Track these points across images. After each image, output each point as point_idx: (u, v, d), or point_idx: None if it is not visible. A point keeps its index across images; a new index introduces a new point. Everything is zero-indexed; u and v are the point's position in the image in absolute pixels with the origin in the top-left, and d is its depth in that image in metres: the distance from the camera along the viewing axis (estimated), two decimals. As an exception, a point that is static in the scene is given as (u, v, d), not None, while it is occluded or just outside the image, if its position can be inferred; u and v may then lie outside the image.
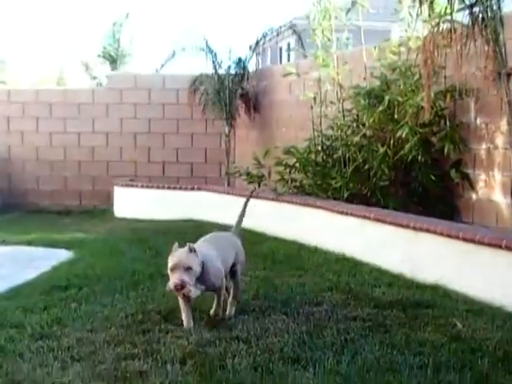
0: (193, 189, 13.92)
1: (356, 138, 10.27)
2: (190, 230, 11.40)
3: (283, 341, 5.28)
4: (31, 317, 5.98)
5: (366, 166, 9.99)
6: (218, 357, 4.90)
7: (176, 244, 5.65)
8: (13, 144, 16.26)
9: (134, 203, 14.38)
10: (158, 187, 14.28)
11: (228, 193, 13.10)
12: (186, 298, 5.65)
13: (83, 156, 16.23)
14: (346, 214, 9.32)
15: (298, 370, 4.64)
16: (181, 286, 5.40)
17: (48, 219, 14.30)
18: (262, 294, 6.77)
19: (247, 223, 11.64)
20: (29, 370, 4.65)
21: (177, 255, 5.55)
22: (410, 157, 9.39)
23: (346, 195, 10.10)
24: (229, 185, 14.28)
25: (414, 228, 7.79)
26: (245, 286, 7.12)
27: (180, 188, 14.16)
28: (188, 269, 5.45)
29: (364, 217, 8.88)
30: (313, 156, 11.23)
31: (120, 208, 14.71)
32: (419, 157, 9.31)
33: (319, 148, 11.26)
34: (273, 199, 11.32)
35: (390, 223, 8.30)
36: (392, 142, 9.71)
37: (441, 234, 7.37)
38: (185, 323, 5.70)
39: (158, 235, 10.93)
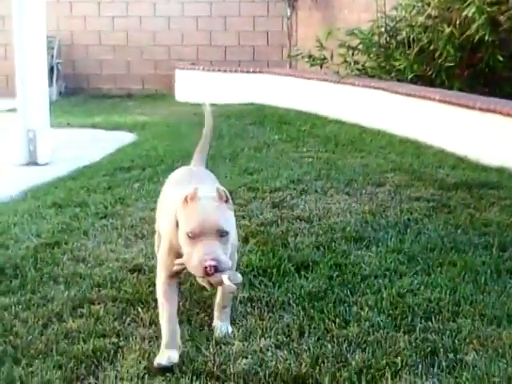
0: (254, 72, 13.78)
1: (421, 19, 9.99)
2: (252, 114, 11.39)
3: (345, 220, 5.26)
4: (95, 196, 6.04)
5: (431, 47, 9.75)
6: (281, 236, 4.91)
7: (196, 187, 3.15)
8: (75, 29, 16.19)
9: (196, 87, 14.31)
10: (219, 70, 14.17)
11: (290, 75, 12.95)
12: (170, 304, 3.27)
13: (145, 40, 16.11)
14: (410, 95, 9.15)
15: (361, 249, 4.63)
16: (215, 269, 2.94)
17: (111, 103, 14.35)
18: (324, 175, 6.72)
19: (309, 107, 11.62)
20: (93, 246, 4.72)
21: (202, 209, 3.06)
22: (477, 37, 9.11)
23: (409, 77, 9.90)
24: (291, 67, 14.10)
25: (480, 109, 7.61)
26: (307, 168, 7.10)
27: (242, 71, 14.03)
28: (223, 235, 3.04)
29: (429, 98, 8.70)
30: (376, 38, 10.99)
31: (181, 92, 14.67)
32: (486, 37, 9.02)
33: (383, 30, 10.99)
34: (335, 82, 11.15)
35: (456, 104, 8.12)
36: (458, 21, 9.42)
37: (508, 114, 7.19)
38: (163, 345, 3.15)
39: (220, 118, 10.88)
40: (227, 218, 3.11)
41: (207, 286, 3.11)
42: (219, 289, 3.38)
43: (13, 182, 6.91)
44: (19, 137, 7.86)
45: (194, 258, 2.96)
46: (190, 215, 3.04)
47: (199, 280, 3.13)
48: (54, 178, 6.93)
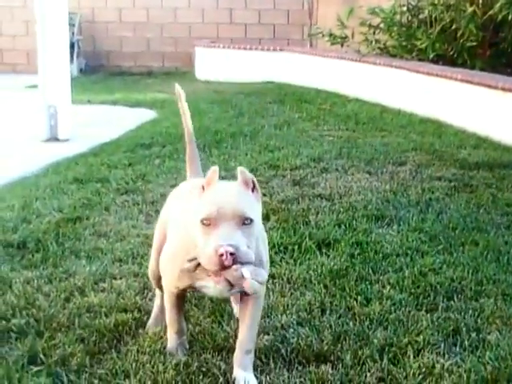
0: (275, 50, 13.74)
1: (443, -3, 9.94)
2: (272, 92, 11.36)
3: (367, 199, 5.23)
4: (116, 172, 6.05)
5: (453, 26, 9.70)
6: (301, 213, 4.89)
7: (215, 168, 2.62)
8: (96, 6, 16.17)
9: (216, 65, 14.28)
10: (239, 48, 14.13)
11: (310, 54, 12.90)
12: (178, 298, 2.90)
13: (165, 18, 16.07)
14: (432, 75, 9.09)
15: (382, 227, 4.61)
16: (232, 260, 2.41)
17: (131, 80, 14.35)
18: (344, 153, 6.70)
19: (329, 85, 11.57)
20: (114, 222, 4.72)
21: (221, 192, 2.57)
22: (500, 16, 9.05)
23: (431, 56, 9.85)
24: (311, 46, 14.04)
25: (503, 89, 7.54)
26: (327, 146, 7.08)
27: (262, 49, 13.98)
28: (246, 223, 2.50)
29: (450, 78, 8.64)
30: (398, 17, 10.92)
31: (201, 70, 14.64)
32: (509, 16, 8.96)
33: (404, 8, 10.92)
34: (356, 60, 11.10)
35: (478, 84, 8.06)
36: (481, 0, 9.35)
37: (531, 94, 7.14)
38: (169, 343, 2.97)
39: (240, 96, 10.87)
40: (252, 205, 2.55)
41: (223, 287, 2.50)
42: (242, 323, 2.80)
43: (34, 157, 6.92)
44: (40, 112, 7.88)
45: (208, 248, 2.44)
46: (206, 199, 2.52)
47: (212, 289, 2.64)
48: (75, 154, 6.94)
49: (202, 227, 2.48)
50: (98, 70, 15.76)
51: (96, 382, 2.72)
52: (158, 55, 16.22)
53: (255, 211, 2.56)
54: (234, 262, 2.40)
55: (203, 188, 2.57)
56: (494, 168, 6.11)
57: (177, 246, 2.76)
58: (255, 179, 2.60)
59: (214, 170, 2.58)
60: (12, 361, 2.84)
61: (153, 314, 3.23)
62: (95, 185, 5.63)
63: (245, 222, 2.48)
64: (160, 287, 3.01)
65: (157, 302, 3.21)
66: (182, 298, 2.93)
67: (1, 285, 3.63)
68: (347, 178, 5.86)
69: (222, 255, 2.39)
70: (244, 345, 2.79)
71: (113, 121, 9.16)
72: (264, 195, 5.35)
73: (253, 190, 2.60)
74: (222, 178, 5.78)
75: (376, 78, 10.56)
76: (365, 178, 5.86)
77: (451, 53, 9.77)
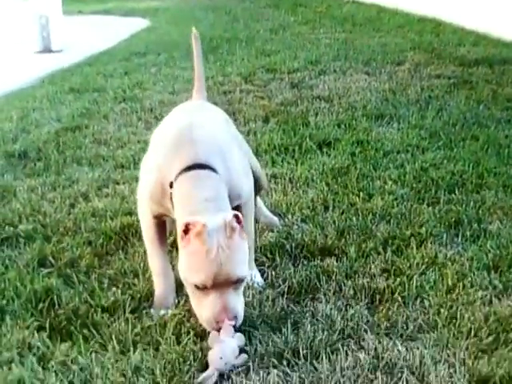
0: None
1: None
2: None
3: (366, 99, 5.22)
4: (112, 81, 6.02)
5: None
6: (301, 115, 4.89)
7: (203, 223, 2.32)
8: None
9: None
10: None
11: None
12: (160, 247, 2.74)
13: None
14: (429, -28, 8.96)
15: (382, 126, 4.61)
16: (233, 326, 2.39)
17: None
18: (342, 55, 6.67)
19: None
20: (114, 129, 4.72)
21: (213, 258, 2.33)
22: None
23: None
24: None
25: (502, -16, 7.45)
26: (324, 49, 7.02)
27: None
28: (238, 282, 2.41)
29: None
30: None
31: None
32: None
33: None
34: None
35: (476, -20, 7.96)
36: None
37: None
38: (156, 292, 2.71)
39: (234, 2, 10.75)
40: (242, 256, 2.43)
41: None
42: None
43: (28, 68, 6.88)
44: (32, 23, 7.79)
45: (206, 311, 2.37)
46: (197, 263, 2.36)
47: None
48: (69, 65, 6.90)
49: (195, 289, 2.38)
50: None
51: (106, 281, 2.75)
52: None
53: (245, 258, 2.44)
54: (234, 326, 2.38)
55: (187, 230, 2.36)
56: (493, 64, 6.08)
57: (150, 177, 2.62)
58: (239, 214, 2.39)
59: (204, 224, 2.32)
60: (22, 264, 2.88)
61: None
62: (92, 94, 5.62)
63: (236, 282, 2.39)
64: None
65: None
66: (161, 231, 2.73)
67: (5, 193, 3.66)
68: (346, 80, 5.83)
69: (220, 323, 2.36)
70: None
71: (106, 30, 9.06)
72: (262, 98, 5.34)
73: (239, 222, 2.39)
74: (219, 83, 5.77)
75: (371, -21, 10.41)
76: (363, 79, 5.84)
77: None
